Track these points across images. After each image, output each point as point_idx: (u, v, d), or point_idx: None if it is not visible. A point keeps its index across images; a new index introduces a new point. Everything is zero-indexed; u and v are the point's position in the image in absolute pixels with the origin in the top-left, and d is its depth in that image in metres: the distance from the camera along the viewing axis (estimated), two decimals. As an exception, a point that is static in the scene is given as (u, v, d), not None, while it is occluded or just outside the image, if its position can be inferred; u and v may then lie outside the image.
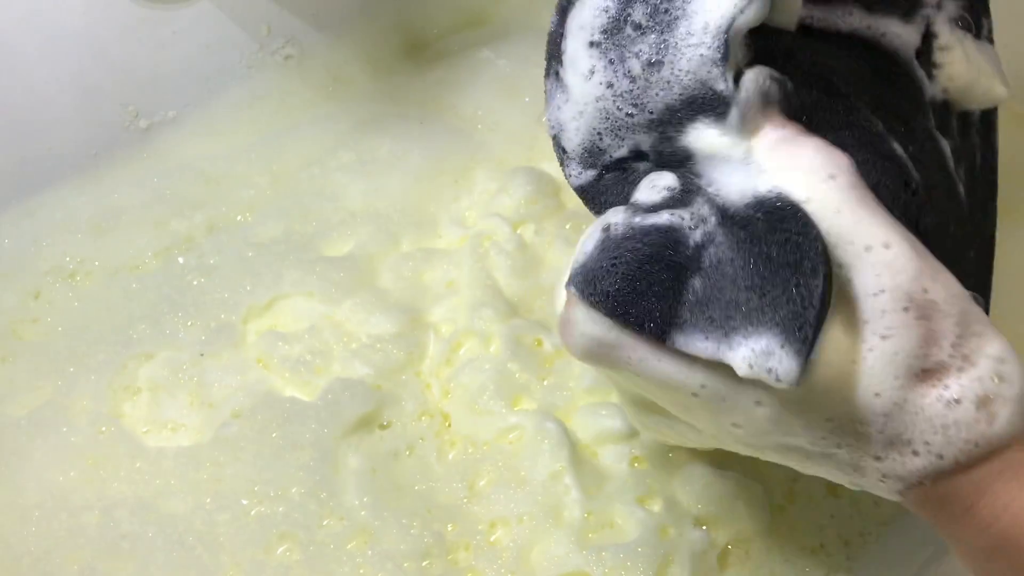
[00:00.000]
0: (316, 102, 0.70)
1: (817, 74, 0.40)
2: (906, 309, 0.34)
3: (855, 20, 0.43)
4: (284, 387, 0.57)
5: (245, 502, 0.52)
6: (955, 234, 0.44)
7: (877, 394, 0.34)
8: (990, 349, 0.35)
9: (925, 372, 0.34)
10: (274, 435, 0.54)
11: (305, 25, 0.69)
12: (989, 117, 0.48)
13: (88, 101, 0.63)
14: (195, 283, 0.60)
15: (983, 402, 0.34)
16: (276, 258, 0.61)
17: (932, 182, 0.42)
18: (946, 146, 0.44)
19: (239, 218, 0.64)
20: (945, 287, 0.35)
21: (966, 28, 0.45)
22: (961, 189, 0.45)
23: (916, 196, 0.40)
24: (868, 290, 0.34)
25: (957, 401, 0.34)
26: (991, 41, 0.47)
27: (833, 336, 0.34)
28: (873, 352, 0.34)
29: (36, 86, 0.61)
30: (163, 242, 0.62)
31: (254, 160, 0.66)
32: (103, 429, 0.54)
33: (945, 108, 0.45)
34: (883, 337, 0.34)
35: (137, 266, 0.62)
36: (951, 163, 0.44)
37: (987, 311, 0.45)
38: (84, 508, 0.52)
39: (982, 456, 0.35)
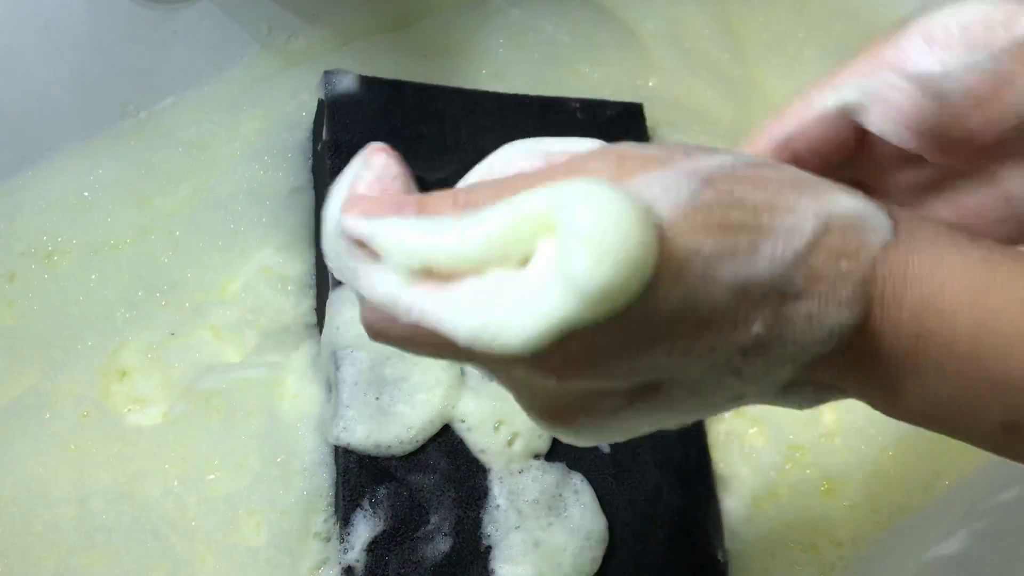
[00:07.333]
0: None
1: None
2: None
3: None
4: (224, 352, 0.54)
5: (210, 479, 0.49)
6: None
7: None
8: None
9: None
10: (219, 406, 0.52)
11: (306, 24, 0.69)
12: None
13: (89, 101, 0.62)
14: (165, 260, 0.58)
15: None
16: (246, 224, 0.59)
17: None
18: None
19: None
20: None
21: None
22: None
23: None
24: None
25: None
26: None
27: None
28: None
29: (36, 86, 0.60)
30: (144, 219, 0.59)
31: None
32: (86, 414, 0.52)
33: None
34: None
35: (117, 245, 0.58)
36: None
37: None
38: (62, 500, 0.49)
39: None
